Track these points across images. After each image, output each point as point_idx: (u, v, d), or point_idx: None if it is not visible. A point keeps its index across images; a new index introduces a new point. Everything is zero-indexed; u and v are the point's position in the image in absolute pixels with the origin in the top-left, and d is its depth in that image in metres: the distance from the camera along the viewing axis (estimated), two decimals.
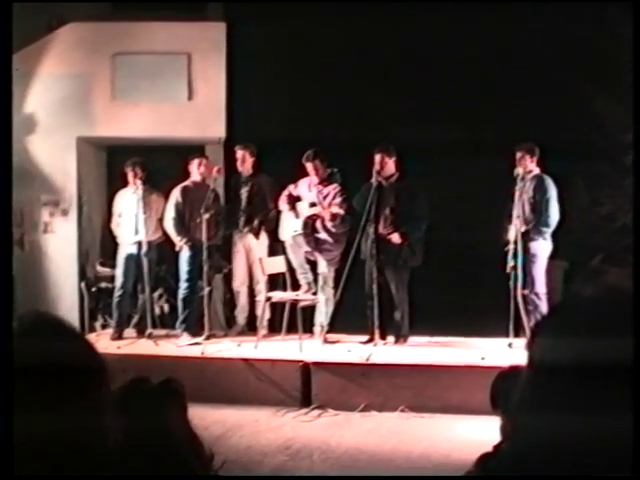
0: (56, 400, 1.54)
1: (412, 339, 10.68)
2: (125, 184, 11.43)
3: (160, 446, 1.98)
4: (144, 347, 10.70)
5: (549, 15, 11.09)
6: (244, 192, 11.43)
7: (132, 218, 11.24)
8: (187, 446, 2.05)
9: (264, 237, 11.42)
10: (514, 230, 10.19)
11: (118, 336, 11.27)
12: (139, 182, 11.16)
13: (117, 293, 11.46)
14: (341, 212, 10.83)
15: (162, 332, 11.41)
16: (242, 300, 11.63)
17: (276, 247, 11.31)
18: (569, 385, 1.37)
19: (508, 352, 9.48)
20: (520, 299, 10.02)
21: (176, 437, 2.03)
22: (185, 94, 12.38)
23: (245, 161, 11.44)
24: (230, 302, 11.88)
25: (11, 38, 9.93)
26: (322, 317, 10.90)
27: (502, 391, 1.67)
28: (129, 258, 11.32)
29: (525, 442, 1.41)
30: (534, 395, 1.43)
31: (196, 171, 11.34)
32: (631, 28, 10.13)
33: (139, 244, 11.17)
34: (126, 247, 11.39)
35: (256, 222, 11.34)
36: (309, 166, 10.91)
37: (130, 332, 11.42)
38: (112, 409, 1.70)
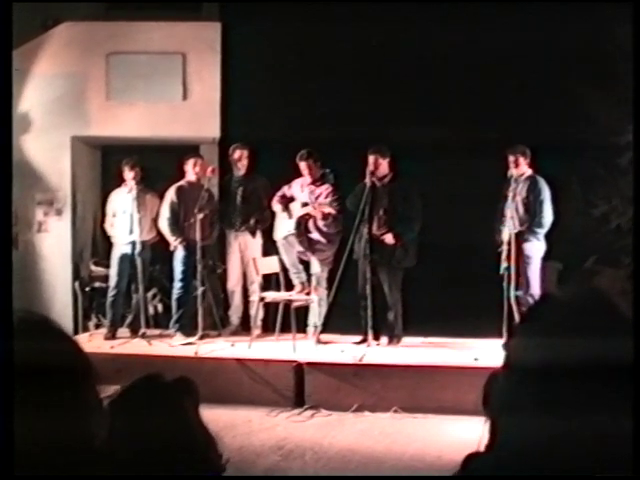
0: (41, 400, 1.54)
1: (405, 339, 10.68)
2: (120, 184, 11.41)
3: (177, 439, 1.99)
4: (137, 347, 10.68)
5: (544, 16, 11.09)
6: (239, 192, 11.43)
7: (127, 218, 11.23)
8: (202, 441, 2.06)
9: (259, 237, 11.44)
10: (507, 231, 10.21)
11: (111, 336, 11.26)
12: (133, 182, 11.16)
13: (111, 293, 11.44)
14: (333, 211, 10.82)
15: (156, 332, 11.40)
16: (236, 300, 11.63)
17: (270, 247, 11.31)
18: (545, 385, 1.38)
19: (501, 353, 9.47)
20: (513, 300, 10.03)
21: (192, 432, 2.05)
22: (180, 94, 12.38)
23: (242, 160, 11.45)
24: (224, 302, 11.87)
25: (11, 38, 9.92)
26: (315, 317, 10.90)
27: (494, 392, 1.67)
28: (123, 258, 11.30)
29: (506, 442, 1.42)
30: (512, 395, 1.44)
31: (191, 171, 11.32)
32: (627, 28, 10.14)
33: (133, 244, 11.16)
34: (120, 247, 11.37)
35: (253, 221, 11.34)
36: (302, 165, 10.91)
37: (124, 332, 11.40)
38: (100, 408, 1.70)
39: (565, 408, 1.36)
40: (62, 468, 1.54)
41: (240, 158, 11.45)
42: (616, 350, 1.35)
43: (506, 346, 1.52)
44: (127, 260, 11.27)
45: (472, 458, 1.55)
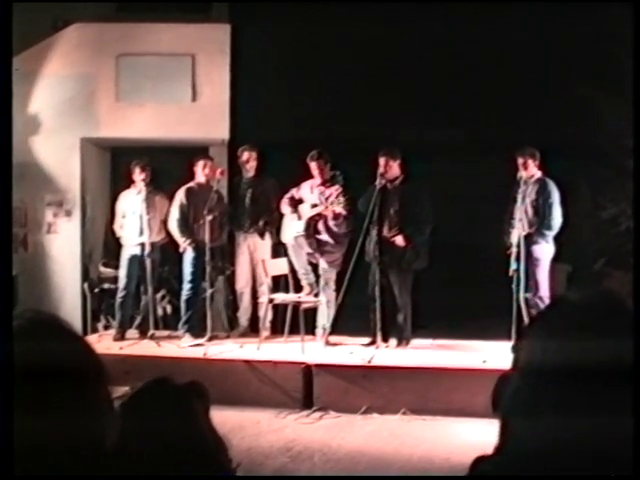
0: (52, 400, 1.54)
1: (414, 342, 10.67)
2: (129, 185, 11.42)
3: (188, 443, 1.99)
4: (146, 348, 10.69)
5: (552, 16, 11.09)
6: (248, 194, 11.44)
7: (136, 219, 11.23)
8: (212, 445, 2.07)
9: (268, 238, 11.44)
10: (517, 233, 10.19)
11: (120, 337, 11.26)
12: (143, 183, 11.16)
13: (120, 294, 11.44)
14: (343, 212, 10.81)
15: (165, 333, 11.42)
16: (245, 301, 11.64)
17: (279, 249, 11.32)
18: (556, 387, 1.38)
19: (510, 355, 9.45)
20: (522, 302, 10.01)
21: (202, 436, 2.05)
22: (189, 95, 12.40)
23: (250, 161, 11.46)
24: (233, 303, 11.88)
25: (11, 38, 9.94)
26: (324, 319, 10.90)
27: (503, 394, 1.67)
28: (133, 259, 11.30)
29: (517, 445, 1.42)
30: (521, 398, 1.43)
31: (201, 172, 11.32)
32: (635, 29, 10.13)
33: (143, 245, 11.16)
34: (130, 248, 11.37)
35: (261, 222, 11.35)
36: (313, 165, 10.91)
37: (133, 333, 11.40)
38: (111, 409, 1.70)
39: (575, 410, 1.35)
40: (73, 469, 1.54)
41: (248, 160, 11.46)
42: (627, 352, 1.35)
43: (515, 348, 1.51)
44: (136, 261, 11.27)
45: (481, 461, 1.55)
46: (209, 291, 11.05)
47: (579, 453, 1.35)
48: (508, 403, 1.46)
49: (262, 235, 11.40)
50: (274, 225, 11.36)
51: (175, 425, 2.01)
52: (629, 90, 10.39)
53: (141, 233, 11.18)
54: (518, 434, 1.42)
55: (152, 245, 11.16)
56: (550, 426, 1.37)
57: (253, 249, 11.47)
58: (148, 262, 11.09)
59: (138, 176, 11.20)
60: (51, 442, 1.51)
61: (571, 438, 1.35)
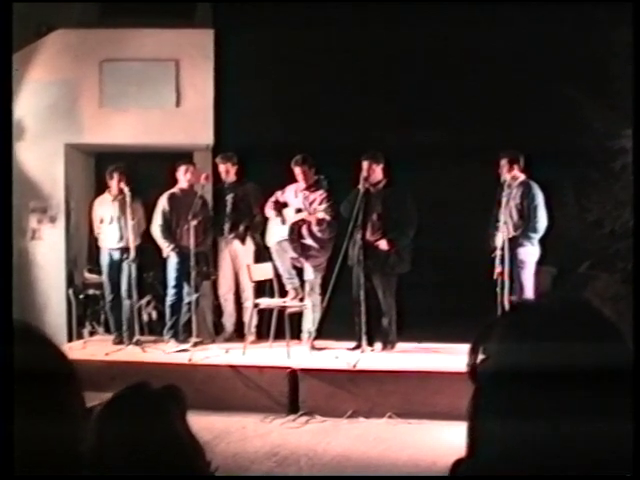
0: (24, 406, 1.53)
1: (400, 345, 10.67)
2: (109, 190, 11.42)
3: (164, 448, 1.99)
4: (132, 354, 10.67)
5: (538, 19, 11.10)
6: (229, 199, 11.42)
7: (114, 224, 11.24)
8: (189, 449, 2.06)
9: (250, 243, 11.41)
10: (501, 236, 10.20)
11: (120, 340, 11.27)
12: (116, 188, 11.16)
13: (108, 298, 11.46)
14: (327, 217, 10.81)
15: (150, 339, 11.39)
16: (229, 307, 11.62)
17: (263, 253, 11.30)
18: (519, 390, 1.38)
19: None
20: (507, 305, 10.01)
21: (179, 440, 2.05)
22: (173, 101, 12.37)
23: (229, 172, 11.45)
24: (217, 309, 11.87)
25: (11, 39, 9.89)
26: (309, 324, 10.90)
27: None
28: (112, 264, 11.31)
29: (486, 447, 1.42)
30: (481, 400, 1.44)
31: (183, 178, 11.33)
32: (622, 33, 10.14)
33: (120, 250, 11.17)
34: (108, 253, 11.36)
35: (242, 228, 11.34)
36: (297, 170, 10.92)
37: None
38: (84, 414, 1.69)
39: (530, 413, 1.36)
40: (45, 472, 1.53)
41: (227, 169, 11.44)
42: (591, 355, 1.35)
43: (472, 351, 1.52)
44: (116, 266, 11.27)
45: (460, 463, 1.55)
46: (194, 296, 11.04)
47: (541, 454, 1.35)
48: (469, 405, 1.48)
49: (243, 240, 11.38)
50: (255, 230, 11.35)
51: (151, 429, 2.00)
52: (616, 93, 10.40)
53: (121, 238, 11.17)
54: (483, 436, 1.43)
55: (129, 250, 11.10)
56: (508, 428, 1.37)
57: (234, 255, 11.46)
58: (130, 267, 11.07)
59: (117, 182, 11.16)
60: (23, 447, 1.50)
61: (532, 440, 1.35)
